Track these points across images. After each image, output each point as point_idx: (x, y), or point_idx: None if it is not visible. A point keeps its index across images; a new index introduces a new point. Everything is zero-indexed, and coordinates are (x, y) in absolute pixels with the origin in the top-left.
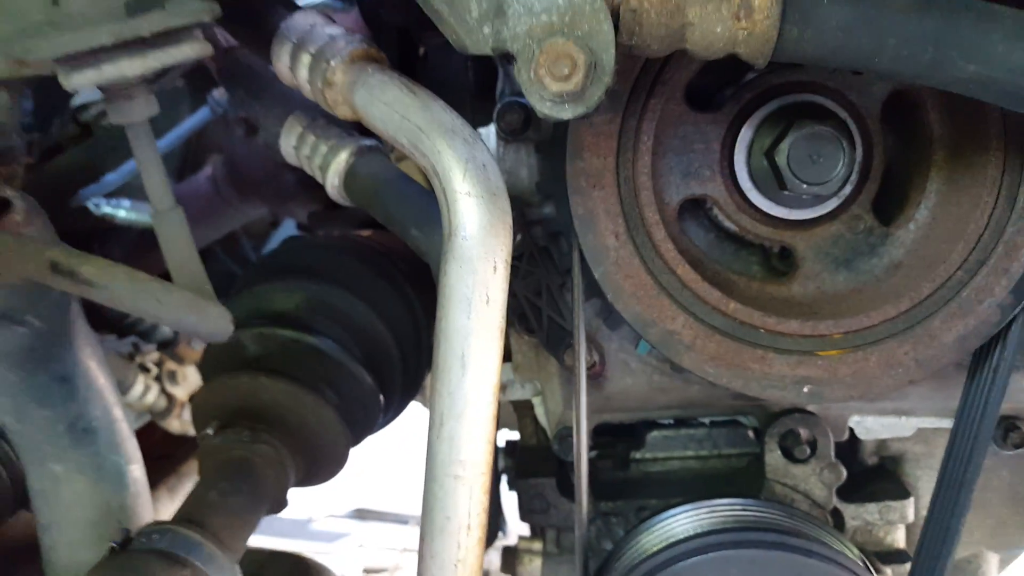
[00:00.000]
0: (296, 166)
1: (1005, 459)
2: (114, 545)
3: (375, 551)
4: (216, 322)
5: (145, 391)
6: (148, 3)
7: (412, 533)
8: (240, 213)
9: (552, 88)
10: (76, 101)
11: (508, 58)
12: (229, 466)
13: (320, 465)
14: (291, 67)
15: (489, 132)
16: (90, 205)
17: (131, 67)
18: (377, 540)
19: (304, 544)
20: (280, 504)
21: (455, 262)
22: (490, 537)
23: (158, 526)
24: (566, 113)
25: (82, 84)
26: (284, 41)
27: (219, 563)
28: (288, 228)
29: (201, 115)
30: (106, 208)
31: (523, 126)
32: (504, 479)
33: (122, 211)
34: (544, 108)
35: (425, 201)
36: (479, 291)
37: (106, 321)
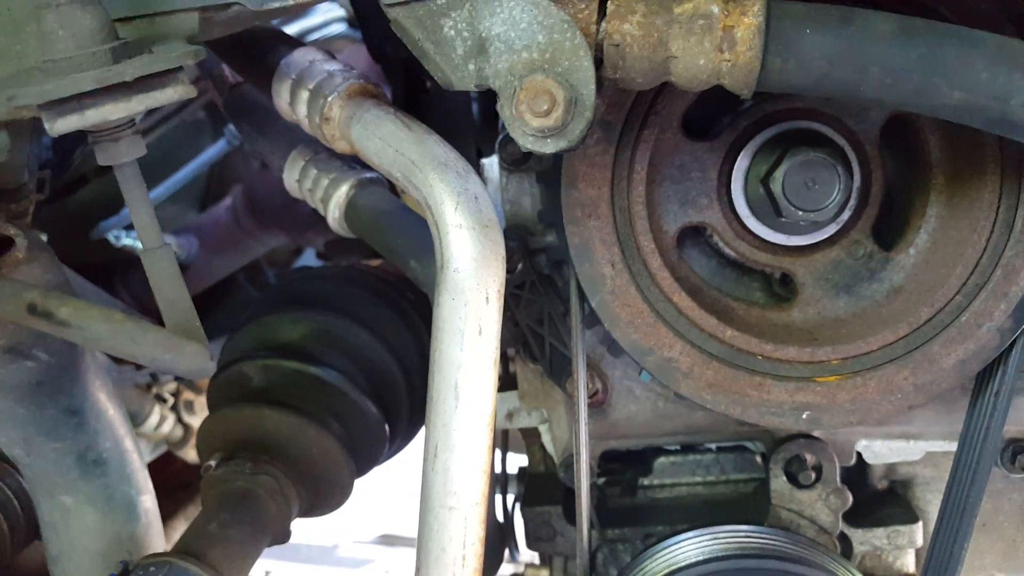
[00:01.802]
0: (300, 199)
1: (1015, 482)
2: None
3: None
4: (193, 360)
5: (161, 421)
6: (134, 49)
7: None
8: (260, 242)
9: (532, 123)
10: None
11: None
12: (230, 497)
13: (324, 496)
14: (290, 103)
15: (493, 162)
16: (110, 237)
17: (115, 111)
18: (403, 566)
19: (330, 570)
20: (283, 536)
21: (447, 294)
22: (493, 566)
23: (156, 558)
24: (548, 147)
25: (65, 129)
26: (284, 77)
27: None
28: (309, 257)
29: (218, 148)
30: (126, 240)
31: (525, 156)
32: (518, 505)
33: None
34: (526, 143)
35: (424, 233)
36: (472, 323)
37: None
